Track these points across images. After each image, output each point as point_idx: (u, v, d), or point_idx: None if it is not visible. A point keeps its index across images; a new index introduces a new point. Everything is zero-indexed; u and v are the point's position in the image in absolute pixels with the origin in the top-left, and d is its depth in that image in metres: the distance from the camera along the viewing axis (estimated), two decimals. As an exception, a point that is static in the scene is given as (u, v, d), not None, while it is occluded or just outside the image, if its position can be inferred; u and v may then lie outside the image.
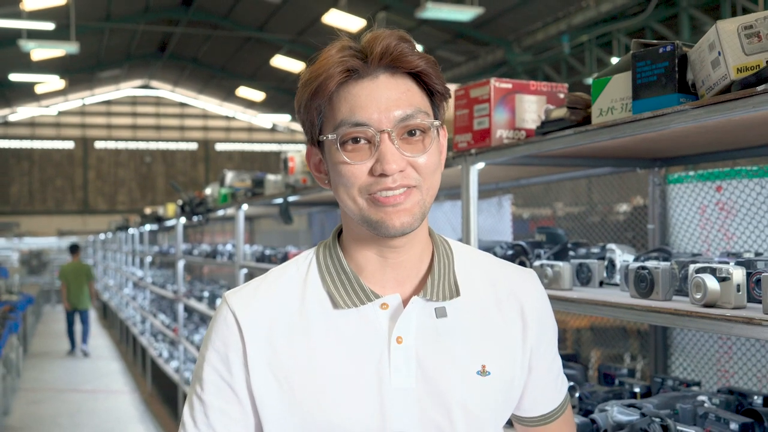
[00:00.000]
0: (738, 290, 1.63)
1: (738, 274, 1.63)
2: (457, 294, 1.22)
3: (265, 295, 1.23)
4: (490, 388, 1.17)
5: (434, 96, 1.19)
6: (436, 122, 1.17)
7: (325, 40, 1.19)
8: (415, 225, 1.15)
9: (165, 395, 9.10)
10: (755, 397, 2.17)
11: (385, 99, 1.13)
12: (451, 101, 2.56)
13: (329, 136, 1.15)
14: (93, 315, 20.68)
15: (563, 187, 6.01)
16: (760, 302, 1.59)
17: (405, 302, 1.20)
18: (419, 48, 1.19)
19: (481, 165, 2.39)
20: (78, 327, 13.55)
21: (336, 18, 18.93)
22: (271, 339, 1.19)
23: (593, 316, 3.96)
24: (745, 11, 14.05)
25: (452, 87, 2.60)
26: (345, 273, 1.21)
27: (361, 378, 1.16)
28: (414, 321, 1.18)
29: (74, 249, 14.12)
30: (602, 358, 3.91)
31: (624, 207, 5.18)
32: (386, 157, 1.11)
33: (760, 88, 1.43)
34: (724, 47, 1.55)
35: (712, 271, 1.66)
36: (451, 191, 4.03)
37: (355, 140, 1.13)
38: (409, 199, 1.14)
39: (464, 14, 14.36)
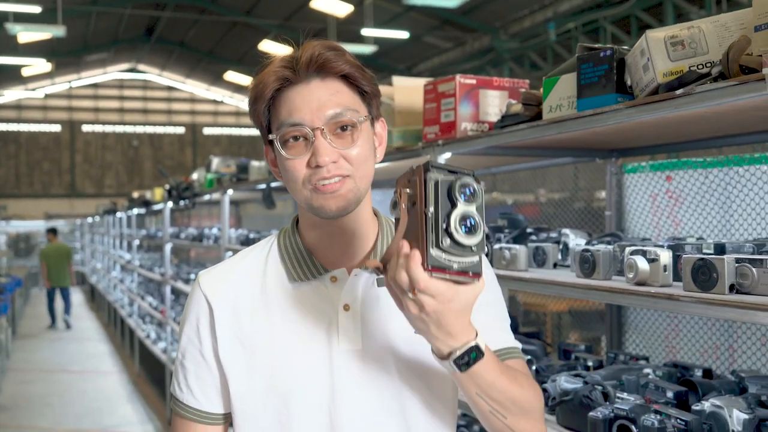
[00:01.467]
0: (665, 270, 1.82)
1: (665, 256, 1.82)
2: None
3: (231, 274, 1.44)
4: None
5: (365, 94, 1.37)
6: (362, 117, 1.33)
7: (313, 25, 1.37)
8: (349, 208, 1.33)
9: (153, 376, 9.28)
10: (696, 370, 2.36)
11: (316, 100, 1.30)
12: (421, 95, 2.75)
13: (272, 136, 1.34)
14: (80, 298, 20.86)
15: (549, 173, 6.18)
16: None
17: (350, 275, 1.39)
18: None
19: (447, 155, 2.57)
20: (59, 304, 14.86)
21: (324, 3, 18.99)
22: (236, 311, 1.39)
23: (573, 301, 4.15)
24: (729, 0, 14.23)
25: (422, 81, 2.78)
26: (300, 252, 1.40)
27: (314, 342, 1.35)
28: (359, 290, 1.36)
29: (52, 232, 15.62)
30: (581, 341, 4.10)
31: (603, 194, 5.35)
32: (319, 150, 1.28)
33: (678, 91, 1.62)
34: (652, 54, 1.73)
35: (643, 253, 1.86)
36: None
37: (295, 138, 1.31)
38: (344, 187, 1.31)
39: (451, 0, 14.47)
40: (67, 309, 14.84)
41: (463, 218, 1.07)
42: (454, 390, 1.39)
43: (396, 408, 1.35)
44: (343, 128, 1.31)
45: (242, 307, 1.39)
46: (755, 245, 1.87)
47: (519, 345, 1.47)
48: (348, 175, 1.31)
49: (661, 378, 2.33)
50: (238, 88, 32.96)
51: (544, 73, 2.53)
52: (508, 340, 1.44)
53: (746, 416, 1.89)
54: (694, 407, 1.97)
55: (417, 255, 1.07)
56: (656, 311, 2.81)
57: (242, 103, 34.94)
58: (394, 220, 1.17)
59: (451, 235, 1.06)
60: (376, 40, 19.10)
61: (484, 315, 1.41)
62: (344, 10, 19.10)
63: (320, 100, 1.31)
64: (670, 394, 2.13)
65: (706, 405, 1.95)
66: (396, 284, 1.11)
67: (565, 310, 4.76)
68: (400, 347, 1.35)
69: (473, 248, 1.07)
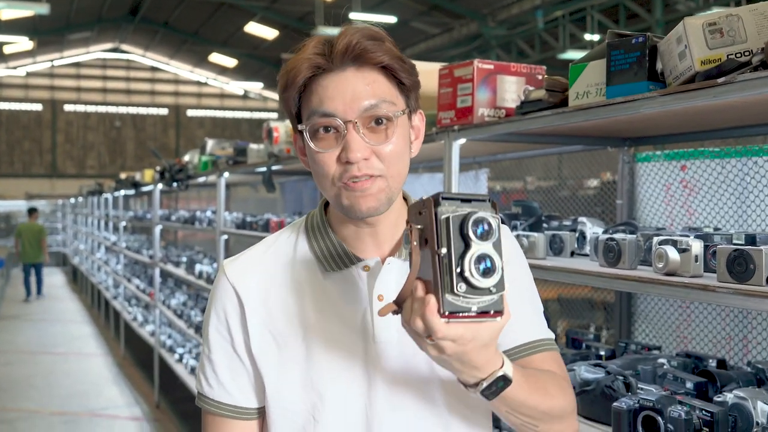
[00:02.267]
0: (696, 260, 1.80)
1: (696, 246, 1.80)
2: None
3: (259, 263, 1.38)
4: None
5: (404, 86, 1.29)
6: (399, 112, 1.26)
7: (300, 8, 1.31)
8: (381, 209, 1.27)
9: (138, 358, 9.23)
10: (710, 361, 2.35)
11: (350, 91, 1.23)
12: (436, 79, 2.71)
13: (300, 126, 1.28)
14: (62, 279, 20.70)
15: (535, 162, 6.18)
16: (715, 272, 1.77)
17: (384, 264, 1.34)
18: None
19: (462, 141, 2.54)
20: (33, 279, 16.12)
21: (311, -14, 18.84)
22: (267, 301, 1.34)
23: (561, 288, 4.15)
24: (717, -8, 14.27)
25: (436, 66, 2.74)
26: (331, 241, 1.34)
27: (348, 333, 1.31)
28: (393, 279, 1.31)
29: (32, 211, 16.87)
30: (568, 328, 4.10)
31: (594, 182, 5.37)
32: (351, 145, 1.21)
33: (720, 80, 1.60)
34: (690, 41, 1.71)
35: (674, 243, 1.84)
36: (429, 164, 4.19)
37: (326, 129, 1.25)
38: (375, 185, 1.24)
39: (440, -14, 14.39)
40: (39, 286, 16.24)
41: (479, 260, 1.00)
42: None
43: (433, 400, 1.31)
44: (378, 122, 1.24)
45: (273, 298, 1.34)
46: (784, 237, 1.86)
47: (551, 335, 1.43)
48: (379, 176, 1.24)
49: (676, 368, 2.33)
50: (222, 70, 32.72)
51: (532, 61, 2.51)
52: (538, 331, 1.40)
53: (771, 408, 1.88)
54: (715, 398, 1.96)
55: (432, 301, 1.01)
56: (667, 300, 2.81)
57: (226, 85, 34.75)
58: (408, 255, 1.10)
59: (466, 280, 1.00)
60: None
61: (514, 302, 1.38)
62: (332, -6, 18.97)
63: (355, 90, 1.23)
64: (689, 385, 2.12)
65: (729, 396, 1.94)
66: (411, 330, 1.06)
67: (554, 298, 4.76)
68: None
69: (491, 289, 1.01)
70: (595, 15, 17.01)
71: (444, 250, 1.00)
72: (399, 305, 1.11)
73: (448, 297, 1.01)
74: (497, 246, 1.02)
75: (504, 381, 1.11)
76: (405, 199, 1.40)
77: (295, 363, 1.31)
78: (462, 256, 1.00)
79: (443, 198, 1.02)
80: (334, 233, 1.35)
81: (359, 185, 1.23)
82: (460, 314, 1.02)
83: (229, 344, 1.35)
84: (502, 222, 1.30)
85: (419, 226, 1.05)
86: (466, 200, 1.04)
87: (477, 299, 1.01)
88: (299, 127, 1.28)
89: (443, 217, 1.01)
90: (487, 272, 1.00)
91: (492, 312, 1.03)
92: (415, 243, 1.06)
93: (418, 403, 1.31)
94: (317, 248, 1.35)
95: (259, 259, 1.38)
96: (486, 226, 1.01)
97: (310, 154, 1.28)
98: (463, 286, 1.00)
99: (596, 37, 17.00)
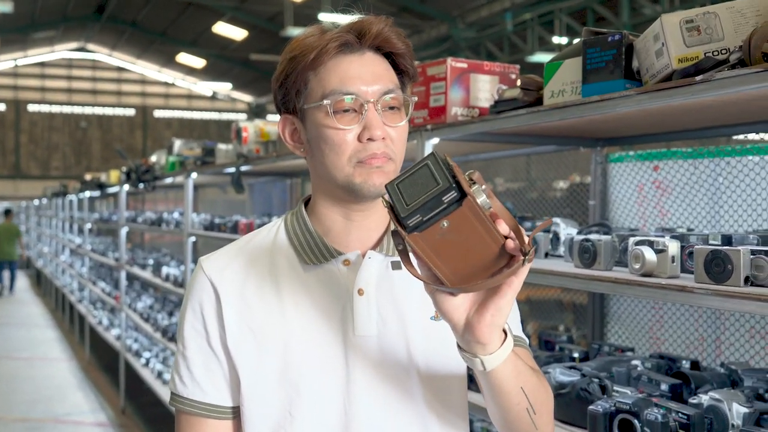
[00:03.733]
0: (673, 261, 1.78)
1: (673, 247, 1.78)
2: None
3: (237, 257, 1.35)
4: (445, 330, 1.20)
5: (403, 76, 1.32)
6: (414, 98, 1.31)
7: (269, 8, 1.31)
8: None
9: (104, 363, 9.08)
10: (683, 362, 2.34)
11: (371, 74, 1.26)
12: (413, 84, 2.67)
13: (324, 102, 1.25)
14: (26, 282, 20.37)
15: (504, 164, 6.18)
16: (691, 272, 1.75)
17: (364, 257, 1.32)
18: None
19: (436, 140, 2.50)
20: (7, 274, 17.47)
21: (281, -14, 18.73)
22: (245, 296, 1.31)
23: (531, 289, 4.13)
24: (682, -3, 14.45)
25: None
26: (310, 234, 1.32)
27: (327, 328, 1.28)
28: (374, 274, 1.29)
29: (8, 212, 17.77)
30: (539, 330, 4.10)
31: (562, 184, 5.38)
32: (373, 123, 1.23)
33: (698, 77, 1.58)
34: (667, 39, 1.68)
35: (650, 244, 1.82)
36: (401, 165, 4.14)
37: (345, 109, 1.25)
38: (388, 165, 1.25)
39: (410, -12, 14.39)
40: (12, 283, 17.52)
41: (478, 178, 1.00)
42: (464, 382, 1.35)
43: (411, 396, 1.29)
44: (391, 107, 1.27)
45: (251, 292, 1.31)
46: (759, 237, 1.85)
47: (526, 339, 1.42)
48: (391, 158, 1.26)
49: (650, 370, 2.31)
50: (190, 71, 32.42)
51: (501, 63, 2.50)
52: (517, 328, 1.40)
53: (746, 410, 1.87)
54: (690, 400, 1.95)
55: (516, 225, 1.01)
56: (640, 302, 2.80)
57: (194, 86, 34.45)
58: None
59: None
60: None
61: None
62: (301, -6, 18.88)
63: (374, 73, 1.26)
64: (664, 387, 2.10)
65: (704, 398, 1.92)
66: (522, 274, 1.03)
67: (523, 300, 4.76)
68: (415, 333, 1.30)
69: None
70: (563, 18, 17.12)
71: (475, 187, 0.98)
72: (462, 285, 1.02)
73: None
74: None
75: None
76: None
77: (273, 357, 1.28)
78: (474, 182, 0.99)
79: (436, 156, 1.00)
80: (314, 227, 1.33)
81: (376, 161, 1.24)
82: None
83: (204, 340, 1.32)
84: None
85: (445, 224, 0.98)
86: (409, 173, 1.01)
87: None
88: (306, 106, 1.27)
89: (473, 188, 0.98)
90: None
91: None
92: (474, 211, 0.97)
93: (396, 399, 1.29)
94: (297, 242, 1.33)
95: (237, 253, 1.36)
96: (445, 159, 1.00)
97: (321, 133, 1.26)
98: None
99: (564, 40, 17.11)
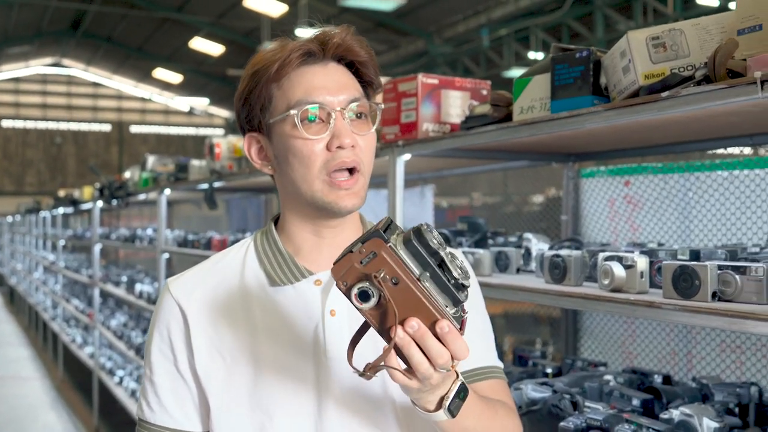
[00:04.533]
0: (641, 277, 1.78)
1: (642, 262, 1.78)
2: None
3: (205, 279, 1.32)
4: None
5: (367, 87, 1.31)
6: (381, 105, 1.30)
7: (246, 24, 1.30)
8: (358, 205, 1.26)
9: (78, 381, 8.95)
10: (655, 376, 2.34)
11: (335, 83, 1.25)
12: (380, 94, 2.67)
13: (291, 112, 1.23)
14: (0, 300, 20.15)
15: (480, 178, 6.19)
16: (660, 288, 1.75)
17: None
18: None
19: (407, 156, 2.50)
20: None
21: (257, 2, 18.71)
22: (213, 318, 1.28)
23: (507, 303, 4.13)
24: (656, 12, 14.63)
25: (381, 80, 2.70)
26: (281, 253, 1.30)
27: (299, 350, 1.25)
28: None
29: None
30: (515, 344, 4.09)
31: (539, 198, 5.40)
32: (342, 131, 1.22)
33: (664, 94, 1.58)
34: (633, 55, 1.69)
35: (619, 259, 1.82)
36: (374, 180, 4.13)
37: (311, 119, 1.23)
38: (357, 184, 1.24)
39: (386, 4, 14.49)
40: None
41: (452, 258, 0.97)
42: None
43: (385, 420, 1.27)
44: (358, 115, 1.26)
45: (220, 315, 1.28)
46: (728, 252, 1.85)
47: (501, 364, 1.41)
48: (359, 170, 1.24)
49: (623, 384, 2.31)
50: (167, 86, 32.28)
51: (478, 78, 2.51)
52: (490, 358, 1.38)
53: (716, 425, 1.87)
54: (661, 416, 1.95)
55: (449, 326, 0.97)
56: (613, 316, 2.80)
57: (171, 101, 34.30)
58: (367, 312, 0.99)
59: (462, 286, 0.96)
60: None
61: (470, 328, 1.35)
62: (278, 10, 18.88)
63: (339, 82, 1.25)
64: (636, 402, 2.10)
65: (675, 413, 1.92)
66: (428, 369, 0.99)
67: (500, 313, 4.75)
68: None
69: (465, 284, 0.98)
70: (539, 34, 17.27)
71: (428, 273, 0.96)
72: (374, 369, 1.02)
73: (451, 311, 0.97)
74: (444, 246, 0.99)
75: (464, 390, 1.07)
76: (361, 220, 1.38)
77: (243, 381, 1.25)
78: (443, 267, 0.96)
79: (381, 235, 0.96)
80: (285, 246, 1.31)
81: (344, 183, 1.23)
82: (464, 322, 0.99)
83: (172, 364, 1.29)
84: (448, 242, 1.27)
85: (381, 275, 0.95)
86: (387, 228, 0.99)
87: (462, 304, 0.99)
88: (271, 120, 1.25)
89: (401, 247, 0.96)
90: (462, 269, 0.98)
91: (466, 311, 1.01)
92: (387, 293, 0.96)
93: (369, 424, 1.26)
94: (266, 262, 1.30)
95: (206, 275, 1.33)
96: (436, 233, 0.98)
97: (289, 146, 1.24)
98: (463, 294, 0.97)
99: (540, 56, 17.25)
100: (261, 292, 1.29)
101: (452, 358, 0.99)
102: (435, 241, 0.97)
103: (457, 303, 0.97)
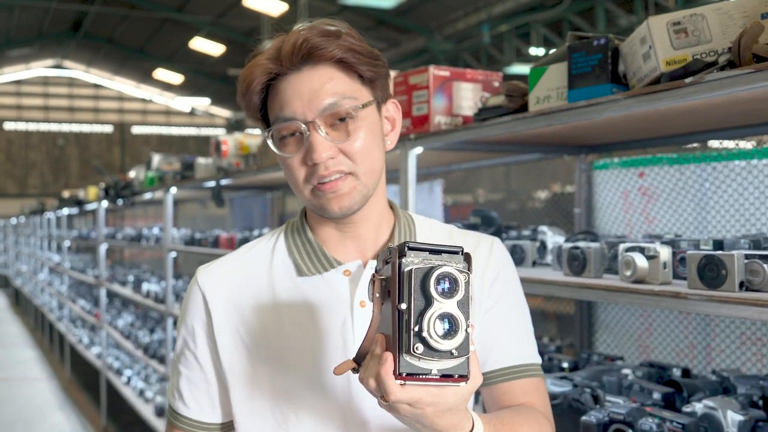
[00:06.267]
0: (665, 267, 1.75)
1: (665, 253, 1.75)
2: None
3: (233, 268, 1.31)
4: None
5: (365, 78, 1.23)
6: (362, 104, 1.20)
7: (246, 23, 1.27)
8: (354, 207, 1.22)
9: (85, 382, 8.93)
10: (674, 370, 2.31)
11: (307, 91, 1.18)
12: (390, 87, 2.63)
13: (265, 133, 1.24)
14: (4, 302, 20.12)
15: (483, 175, 6.16)
16: (683, 278, 1.72)
17: (366, 268, 1.27)
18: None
19: (419, 150, 2.46)
20: None
21: (257, 1, 18.68)
22: (240, 308, 1.27)
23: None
24: (657, 6, 14.57)
25: (392, 74, 2.67)
26: (310, 243, 1.28)
27: (327, 342, 1.23)
28: None
29: None
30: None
31: (542, 194, 5.37)
32: (314, 146, 1.17)
33: (687, 80, 1.55)
34: (654, 41, 1.66)
35: (641, 250, 1.79)
36: (386, 176, 4.10)
37: (290, 134, 1.20)
38: (345, 184, 1.20)
39: (387, 1, 14.45)
40: None
41: (439, 319, 0.92)
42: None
43: None
44: (340, 119, 1.19)
45: (246, 304, 1.26)
46: (751, 241, 1.82)
47: (538, 359, 1.37)
48: (348, 172, 1.19)
49: (641, 378, 2.28)
50: (167, 87, 32.26)
51: None
52: (524, 355, 1.34)
53: (741, 417, 1.84)
54: (684, 409, 1.91)
55: (389, 360, 0.93)
56: (629, 309, 2.77)
57: (172, 101, 34.28)
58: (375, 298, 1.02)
59: (424, 340, 0.91)
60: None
61: (500, 322, 1.32)
62: (278, 9, 18.84)
63: (312, 90, 1.18)
64: (657, 396, 2.07)
65: (698, 406, 1.89)
66: (367, 389, 0.98)
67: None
68: None
69: (453, 352, 0.92)
70: (540, 29, 17.22)
71: (404, 306, 0.93)
72: (358, 362, 1.03)
73: (406, 357, 0.93)
74: (463, 304, 0.93)
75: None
76: (391, 207, 1.35)
77: (269, 372, 1.24)
78: (422, 314, 0.92)
79: (409, 248, 0.95)
80: (314, 236, 1.29)
81: (328, 186, 1.19)
82: (420, 376, 0.93)
83: (191, 355, 1.29)
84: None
85: (382, 277, 0.98)
86: (435, 251, 0.96)
87: (437, 362, 0.93)
88: (264, 133, 1.24)
89: (406, 269, 0.93)
90: (448, 334, 0.92)
91: (456, 376, 0.95)
92: (377, 294, 0.99)
93: None
94: (296, 252, 1.29)
95: (234, 263, 1.32)
96: (450, 283, 0.93)
97: (280, 161, 1.24)
98: (420, 347, 0.92)
99: (541, 51, 17.20)
100: (289, 283, 1.27)
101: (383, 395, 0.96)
102: (437, 288, 0.93)
103: (408, 351, 0.93)
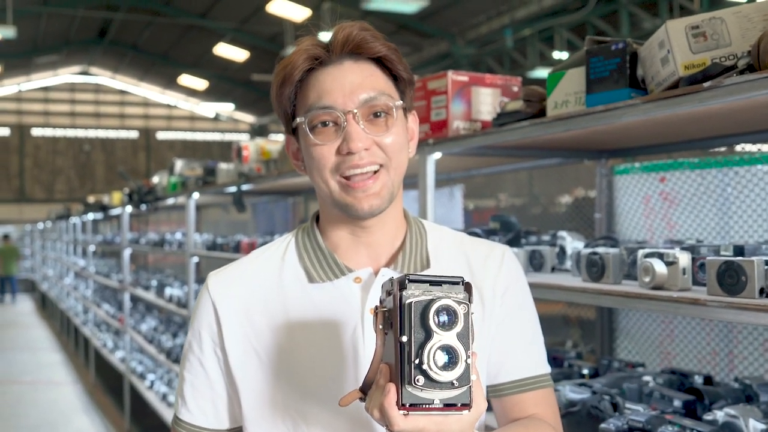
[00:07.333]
0: (684, 273, 1.73)
1: (684, 259, 1.73)
2: (428, 266, 1.30)
3: (243, 274, 1.31)
4: None
5: (399, 81, 1.26)
6: (398, 103, 1.24)
7: (270, 29, 1.27)
8: (383, 206, 1.22)
9: (109, 386, 9.01)
10: (696, 377, 2.29)
11: (349, 83, 1.21)
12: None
13: (299, 119, 1.23)
14: (30, 306, 20.37)
15: (506, 179, 6.13)
16: (703, 285, 1.70)
17: (377, 276, 1.27)
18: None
19: (438, 155, 2.46)
20: (8, 288, 21.35)
21: (280, 7, 18.79)
22: (250, 316, 1.27)
23: (537, 304, 4.07)
24: (682, 9, 14.46)
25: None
26: (321, 250, 1.28)
27: (336, 349, 1.23)
28: None
29: (6, 237, 21.83)
30: (546, 346, 4.03)
31: (566, 198, 5.35)
32: (351, 135, 1.19)
33: (706, 84, 1.54)
34: (673, 46, 1.65)
35: (660, 256, 1.77)
36: (404, 180, 4.10)
37: (324, 123, 1.21)
38: (378, 182, 1.21)
39: (409, 6, 14.45)
40: (14, 292, 21.42)
41: (439, 352, 0.94)
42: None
43: None
44: (377, 114, 1.21)
45: (256, 312, 1.26)
46: (772, 247, 1.80)
47: (548, 369, 1.37)
48: (381, 165, 1.20)
49: (662, 385, 2.26)
50: (192, 92, 32.49)
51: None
52: (534, 366, 1.34)
53: (763, 426, 1.82)
54: (705, 417, 1.89)
55: (392, 391, 0.96)
56: (650, 316, 2.74)
57: (196, 107, 34.52)
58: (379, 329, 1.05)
59: (425, 372, 0.94)
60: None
61: (510, 333, 1.32)
62: (301, 15, 18.93)
63: (353, 82, 1.20)
64: (677, 403, 2.05)
65: (719, 414, 1.87)
66: (373, 418, 1.00)
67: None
68: None
69: (454, 383, 0.94)
70: (563, 33, 17.14)
71: (405, 338, 0.95)
72: (364, 392, 1.05)
73: (408, 388, 0.95)
74: (463, 335, 0.95)
75: None
76: (405, 215, 1.35)
77: (279, 379, 1.24)
78: (422, 347, 0.94)
79: (410, 280, 0.97)
80: (325, 243, 1.29)
81: (360, 184, 1.20)
82: (422, 406, 0.96)
83: (196, 360, 1.30)
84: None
85: (385, 308, 1.01)
86: (435, 282, 0.98)
87: (439, 392, 0.95)
88: (297, 120, 1.24)
89: (407, 302, 0.96)
90: (448, 365, 0.94)
91: (459, 405, 0.97)
92: (380, 326, 1.01)
93: None
94: (306, 258, 1.29)
95: (245, 270, 1.32)
96: (449, 316, 0.95)
97: (306, 150, 1.24)
98: (421, 379, 0.94)
99: (565, 55, 17.12)
100: (299, 289, 1.27)
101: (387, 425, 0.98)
102: (436, 321, 0.95)
103: (410, 382, 0.95)
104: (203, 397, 1.29)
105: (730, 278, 1.57)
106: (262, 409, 1.25)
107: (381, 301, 1.04)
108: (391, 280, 1.00)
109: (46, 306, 18.49)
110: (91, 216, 10.51)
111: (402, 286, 0.97)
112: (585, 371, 2.51)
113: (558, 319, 3.94)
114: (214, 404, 1.29)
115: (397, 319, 0.96)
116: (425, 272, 1.28)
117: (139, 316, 8.54)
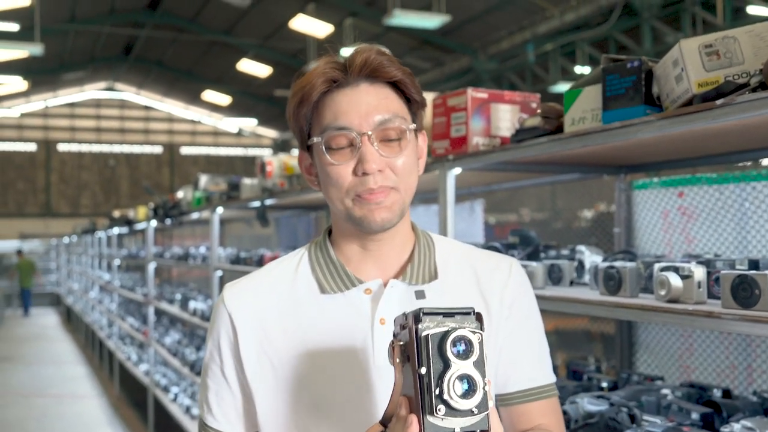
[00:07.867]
0: (699, 287, 1.76)
1: (699, 272, 1.76)
2: (436, 277, 1.34)
3: (257, 285, 1.37)
4: None
5: (411, 103, 1.32)
6: (412, 126, 1.29)
7: (293, 45, 1.32)
8: (394, 221, 1.27)
9: (134, 399, 9.09)
10: (714, 390, 2.30)
11: (365, 105, 1.26)
12: (429, 109, 2.68)
13: (315, 139, 1.28)
14: (56, 319, 20.59)
15: (528, 194, 6.15)
16: (718, 298, 1.73)
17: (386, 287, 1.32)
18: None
19: (458, 170, 2.51)
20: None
21: (303, 23, 18.95)
22: (264, 325, 1.32)
23: (559, 319, 4.09)
24: (705, 23, 14.41)
25: (430, 96, 2.72)
26: (332, 262, 1.34)
27: (349, 358, 1.28)
28: (395, 303, 1.29)
29: (19, 252, 22.93)
30: (567, 360, 4.04)
31: (588, 213, 5.36)
32: (366, 157, 1.23)
33: (719, 101, 1.57)
34: (686, 64, 1.68)
35: (676, 270, 1.80)
36: (425, 195, 4.15)
37: (339, 143, 1.26)
38: (389, 198, 1.26)
39: (431, 22, 14.52)
40: (28, 306, 22.04)
41: (458, 381, 0.98)
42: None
43: None
44: (390, 137, 1.26)
45: (270, 322, 1.32)
46: (788, 261, 1.82)
47: (553, 379, 1.41)
48: (393, 187, 1.25)
49: (681, 398, 2.27)
50: (215, 108, 32.80)
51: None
52: (540, 376, 1.38)
53: (780, 438, 1.83)
54: (722, 429, 1.91)
55: (414, 423, 0.99)
56: (669, 329, 2.76)
57: (220, 122, 34.83)
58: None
59: (445, 402, 0.98)
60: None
61: (517, 344, 1.36)
62: (324, 31, 19.09)
63: (369, 104, 1.25)
64: (695, 416, 2.07)
65: (736, 427, 1.89)
66: None
67: (551, 330, 4.70)
68: None
69: (473, 410, 0.98)
70: (585, 48, 17.14)
71: (424, 370, 0.99)
72: (385, 424, 1.09)
73: (430, 418, 0.99)
74: (479, 363, 0.99)
75: None
76: (413, 228, 1.39)
77: (292, 387, 1.28)
78: (441, 377, 0.98)
79: (424, 313, 1.01)
80: (336, 256, 1.34)
81: (374, 197, 1.24)
82: None
83: (218, 369, 1.35)
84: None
85: (401, 342, 1.05)
86: (448, 314, 1.02)
87: (459, 420, 0.99)
88: (314, 140, 1.29)
89: (423, 334, 1.00)
90: (467, 393, 0.98)
91: (478, 431, 1.00)
92: (398, 359, 1.05)
93: None
94: (318, 270, 1.34)
95: (260, 282, 1.38)
96: (465, 345, 0.99)
97: (322, 168, 1.29)
98: (442, 409, 0.98)
99: (587, 70, 17.10)
100: (311, 300, 1.32)
101: None
102: (453, 351, 0.99)
103: (431, 412, 0.99)
104: (227, 404, 1.35)
105: (744, 291, 1.60)
106: (276, 416, 1.29)
107: (395, 335, 1.07)
108: (405, 314, 1.04)
109: (71, 320, 18.68)
110: (116, 230, 10.65)
111: (417, 320, 1.01)
112: (604, 384, 2.53)
113: (580, 335, 3.96)
114: (237, 411, 1.34)
115: (414, 351, 1.00)
116: (433, 283, 1.33)
117: (163, 329, 8.63)
